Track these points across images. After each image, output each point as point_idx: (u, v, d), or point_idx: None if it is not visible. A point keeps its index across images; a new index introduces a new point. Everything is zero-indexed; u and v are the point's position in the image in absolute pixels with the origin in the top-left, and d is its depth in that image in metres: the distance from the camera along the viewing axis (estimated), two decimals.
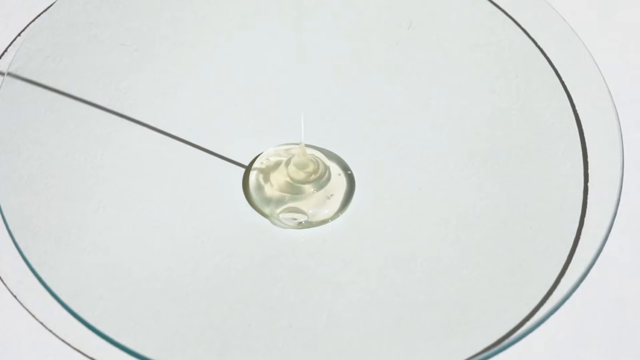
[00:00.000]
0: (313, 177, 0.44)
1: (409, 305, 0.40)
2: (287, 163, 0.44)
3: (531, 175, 0.43)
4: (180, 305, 0.40)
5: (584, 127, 0.44)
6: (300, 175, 0.43)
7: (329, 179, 0.44)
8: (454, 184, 0.43)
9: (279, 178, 0.44)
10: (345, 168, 0.44)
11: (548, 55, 0.46)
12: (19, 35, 0.47)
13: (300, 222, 0.42)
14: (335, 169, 0.44)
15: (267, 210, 0.43)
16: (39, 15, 0.48)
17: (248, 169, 0.44)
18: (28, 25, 0.48)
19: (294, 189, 0.43)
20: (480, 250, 0.41)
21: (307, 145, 0.44)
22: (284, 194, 0.43)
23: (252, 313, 0.40)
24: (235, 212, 0.43)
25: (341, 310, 0.40)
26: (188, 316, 0.39)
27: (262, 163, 0.44)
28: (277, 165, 0.44)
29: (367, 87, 0.46)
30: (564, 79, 0.45)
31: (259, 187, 0.43)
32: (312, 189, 0.43)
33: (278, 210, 0.43)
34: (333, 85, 0.47)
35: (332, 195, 0.43)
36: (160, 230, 0.42)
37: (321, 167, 0.44)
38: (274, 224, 0.42)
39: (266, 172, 0.44)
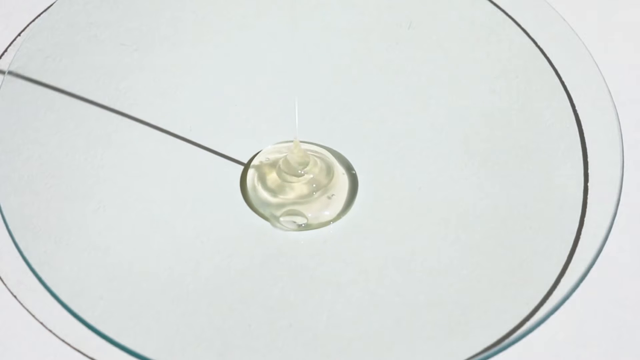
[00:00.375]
0: (308, 171, 0.43)
1: (409, 305, 0.40)
2: (282, 161, 0.44)
3: (531, 175, 0.43)
4: (180, 305, 0.40)
5: (584, 127, 0.44)
6: (294, 174, 0.43)
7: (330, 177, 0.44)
8: (454, 184, 0.43)
9: (276, 177, 0.44)
10: (349, 168, 0.44)
11: (548, 55, 0.46)
12: (19, 35, 0.47)
13: (300, 225, 0.42)
14: (339, 168, 0.44)
15: (267, 213, 0.43)
16: (39, 15, 0.48)
17: (246, 167, 0.44)
18: (28, 25, 0.48)
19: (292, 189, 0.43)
20: (480, 250, 0.41)
21: (313, 144, 0.44)
22: (282, 196, 0.43)
23: (252, 313, 0.40)
24: (235, 212, 0.43)
25: (341, 310, 0.40)
26: (188, 316, 0.39)
27: (260, 161, 0.44)
28: (275, 163, 0.44)
29: (367, 87, 0.46)
30: (564, 79, 0.45)
31: (258, 188, 0.43)
32: (315, 193, 0.43)
33: (278, 214, 0.43)
34: (333, 85, 0.47)
35: (333, 195, 0.43)
36: (160, 230, 0.42)
37: (317, 164, 0.44)
38: (274, 226, 0.42)
39: (264, 170, 0.44)
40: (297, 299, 0.40)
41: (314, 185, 0.43)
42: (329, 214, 0.43)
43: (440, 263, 0.41)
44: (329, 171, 0.44)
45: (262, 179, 0.43)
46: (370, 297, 0.40)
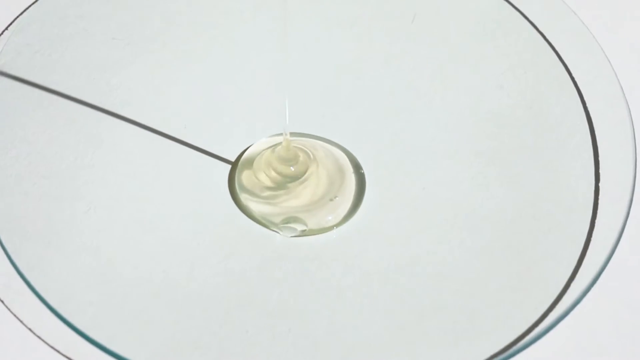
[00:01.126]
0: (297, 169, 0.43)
1: (413, 310, 0.40)
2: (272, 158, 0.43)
3: (540, 174, 0.43)
4: (174, 310, 0.39)
5: (595, 125, 0.43)
6: (286, 170, 0.43)
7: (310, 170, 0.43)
8: (459, 184, 0.43)
9: (269, 174, 0.43)
10: (357, 167, 0.44)
11: (557, 49, 0.46)
12: (6, 29, 0.47)
13: (303, 230, 0.42)
14: (348, 167, 0.44)
15: (264, 220, 0.42)
16: (27, 9, 0.47)
17: (234, 165, 0.44)
18: (16, 19, 0.47)
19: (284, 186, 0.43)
20: (487, 253, 0.41)
21: (321, 140, 0.44)
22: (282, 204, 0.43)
23: (250, 318, 0.39)
24: (232, 213, 0.42)
25: (342, 315, 0.40)
26: (183, 321, 0.39)
27: (251, 158, 0.43)
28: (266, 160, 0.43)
29: (369, 84, 0.46)
30: (574, 74, 0.45)
31: (251, 192, 0.43)
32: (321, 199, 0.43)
33: (276, 221, 0.42)
34: (334, 82, 0.46)
35: (336, 197, 0.43)
36: (153, 231, 0.42)
37: (303, 158, 0.43)
38: (274, 231, 0.42)
39: (254, 168, 0.43)
40: (296, 304, 0.40)
41: (323, 189, 0.43)
42: (331, 218, 0.42)
43: (445, 266, 0.41)
44: (340, 171, 0.43)
45: (255, 178, 0.43)
46: (372, 302, 0.40)
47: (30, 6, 0.47)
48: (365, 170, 0.44)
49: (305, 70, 0.46)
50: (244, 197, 0.43)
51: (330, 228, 0.42)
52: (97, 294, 0.39)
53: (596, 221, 0.41)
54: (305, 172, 0.43)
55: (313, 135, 0.45)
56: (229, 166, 0.44)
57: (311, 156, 0.44)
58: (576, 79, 0.45)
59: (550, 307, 0.39)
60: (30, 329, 0.39)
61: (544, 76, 0.45)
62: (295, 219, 0.42)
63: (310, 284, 0.40)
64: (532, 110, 0.45)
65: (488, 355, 0.38)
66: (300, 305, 0.40)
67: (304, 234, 0.42)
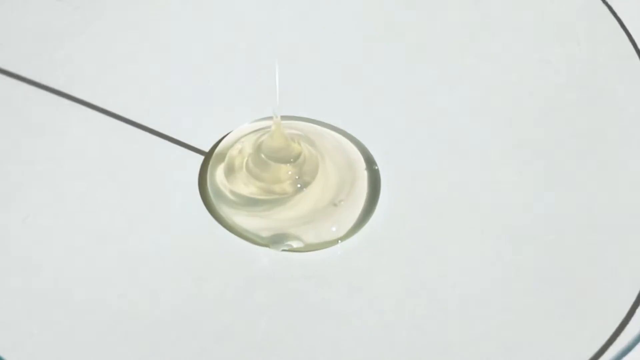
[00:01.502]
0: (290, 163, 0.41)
1: (434, 344, 0.37)
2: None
3: (597, 173, 0.41)
4: (135, 342, 0.37)
5: None
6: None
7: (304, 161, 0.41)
8: (496, 184, 0.42)
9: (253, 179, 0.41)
10: (369, 161, 0.42)
11: (619, 15, 0.43)
12: None
13: (299, 246, 0.40)
14: (359, 162, 0.42)
15: (246, 234, 0.40)
16: None
17: (208, 157, 0.42)
18: None
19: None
20: (530, 273, 0.39)
21: (322, 126, 0.43)
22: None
23: (231, 352, 0.37)
24: (207, 220, 0.41)
25: (346, 348, 0.37)
26: (147, 356, 0.37)
27: (230, 150, 0.42)
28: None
29: (382, 58, 0.45)
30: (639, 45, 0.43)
31: (228, 198, 0.41)
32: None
33: (264, 235, 0.40)
34: (336, 55, 0.45)
35: (341, 201, 0.40)
36: (109, 244, 0.40)
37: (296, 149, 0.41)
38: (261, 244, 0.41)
39: (234, 167, 0.41)
40: (288, 334, 0.38)
41: (331, 192, 0.41)
42: (335, 230, 0.40)
43: (476, 290, 0.39)
44: (350, 167, 0.41)
45: (231, 181, 0.41)
46: (384, 333, 0.38)
47: None
48: (378, 166, 0.43)
49: (300, 41, 0.45)
50: (220, 206, 0.41)
51: (334, 242, 0.39)
52: (39, 323, 0.37)
53: None
54: (302, 170, 0.41)
55: (310, 120, 0.43)
56: (202, 158, 0.42)
57: (313, 146, 0.42)
58: None
59: (609, 340, 0.35)
60: None
61: (603, 48, 0.44)
62: (287, 236, 0.40)
63: (306, 309, 0.38)
64: (587, 90, 0.43)
65: None
66: (293, 337, 0.38)
67: (299, 249, 0.40)
